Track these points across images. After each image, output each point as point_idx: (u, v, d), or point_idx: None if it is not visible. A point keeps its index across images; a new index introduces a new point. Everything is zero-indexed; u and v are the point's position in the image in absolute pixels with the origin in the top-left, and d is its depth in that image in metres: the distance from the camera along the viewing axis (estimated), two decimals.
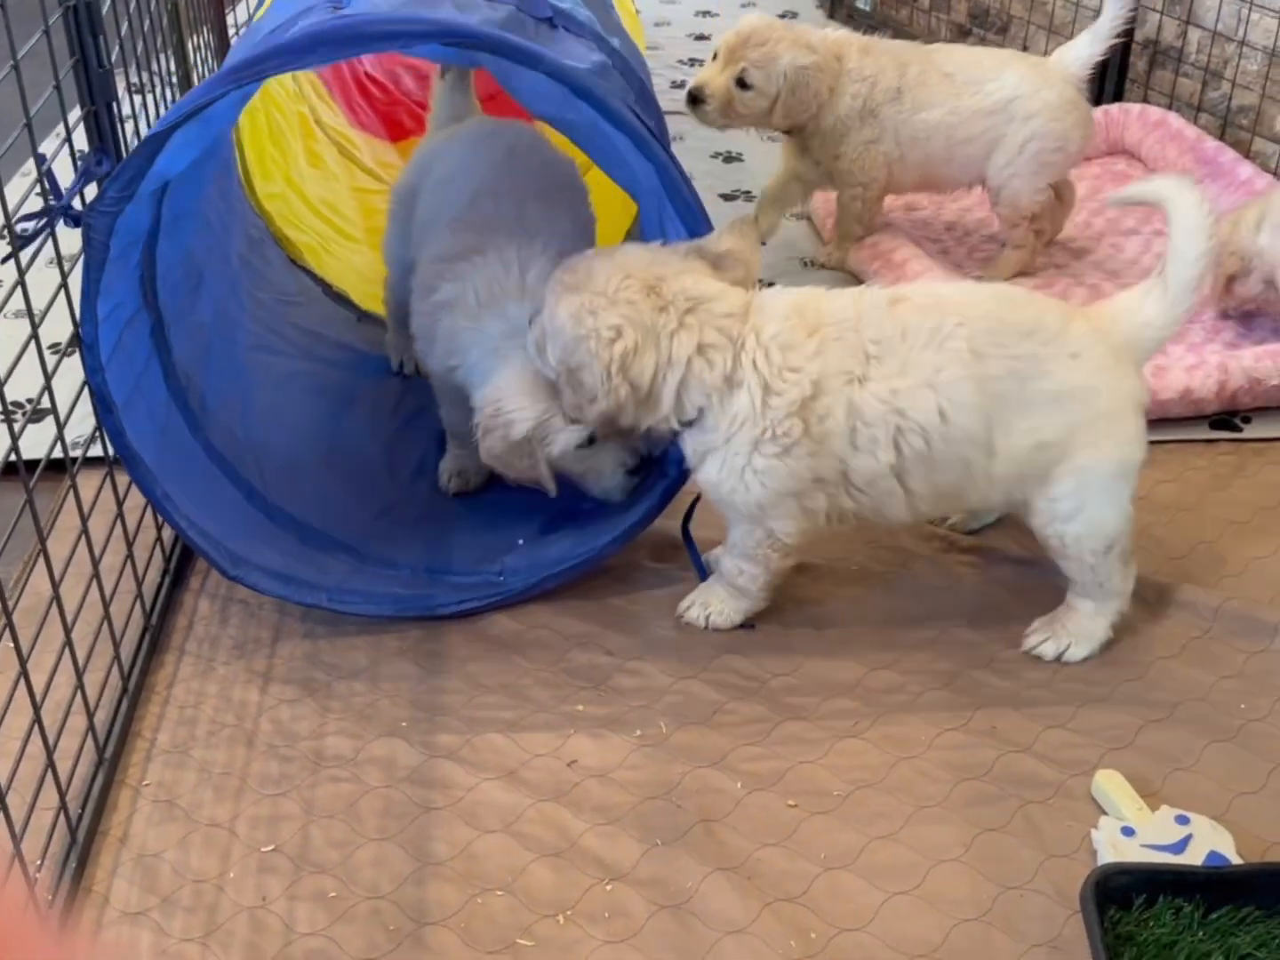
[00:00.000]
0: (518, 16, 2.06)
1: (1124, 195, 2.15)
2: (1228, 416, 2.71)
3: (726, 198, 3.67)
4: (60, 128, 1.90)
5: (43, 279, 1.87)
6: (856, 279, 3.12)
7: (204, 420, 2.27)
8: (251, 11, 2.88)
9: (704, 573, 2.22)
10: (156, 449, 2.09)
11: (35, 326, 1.74)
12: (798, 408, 1.91)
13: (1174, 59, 3.81)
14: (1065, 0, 4.11)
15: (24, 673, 1.63)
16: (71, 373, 1.96)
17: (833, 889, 1.74)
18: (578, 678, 2.08)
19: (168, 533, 2.23)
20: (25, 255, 1.72)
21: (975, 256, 3.31)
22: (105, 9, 2.02)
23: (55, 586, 1.74)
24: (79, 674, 1.81)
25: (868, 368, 1.93)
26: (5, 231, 1.62)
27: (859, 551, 2.34)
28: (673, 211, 2.02)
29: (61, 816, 1.75)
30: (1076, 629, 2.10)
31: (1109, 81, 3.89)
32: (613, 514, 2.24)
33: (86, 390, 1.99)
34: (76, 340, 1.93)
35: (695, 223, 1.98)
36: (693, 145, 3.87)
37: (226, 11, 3.84)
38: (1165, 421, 2.67)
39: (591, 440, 2.14)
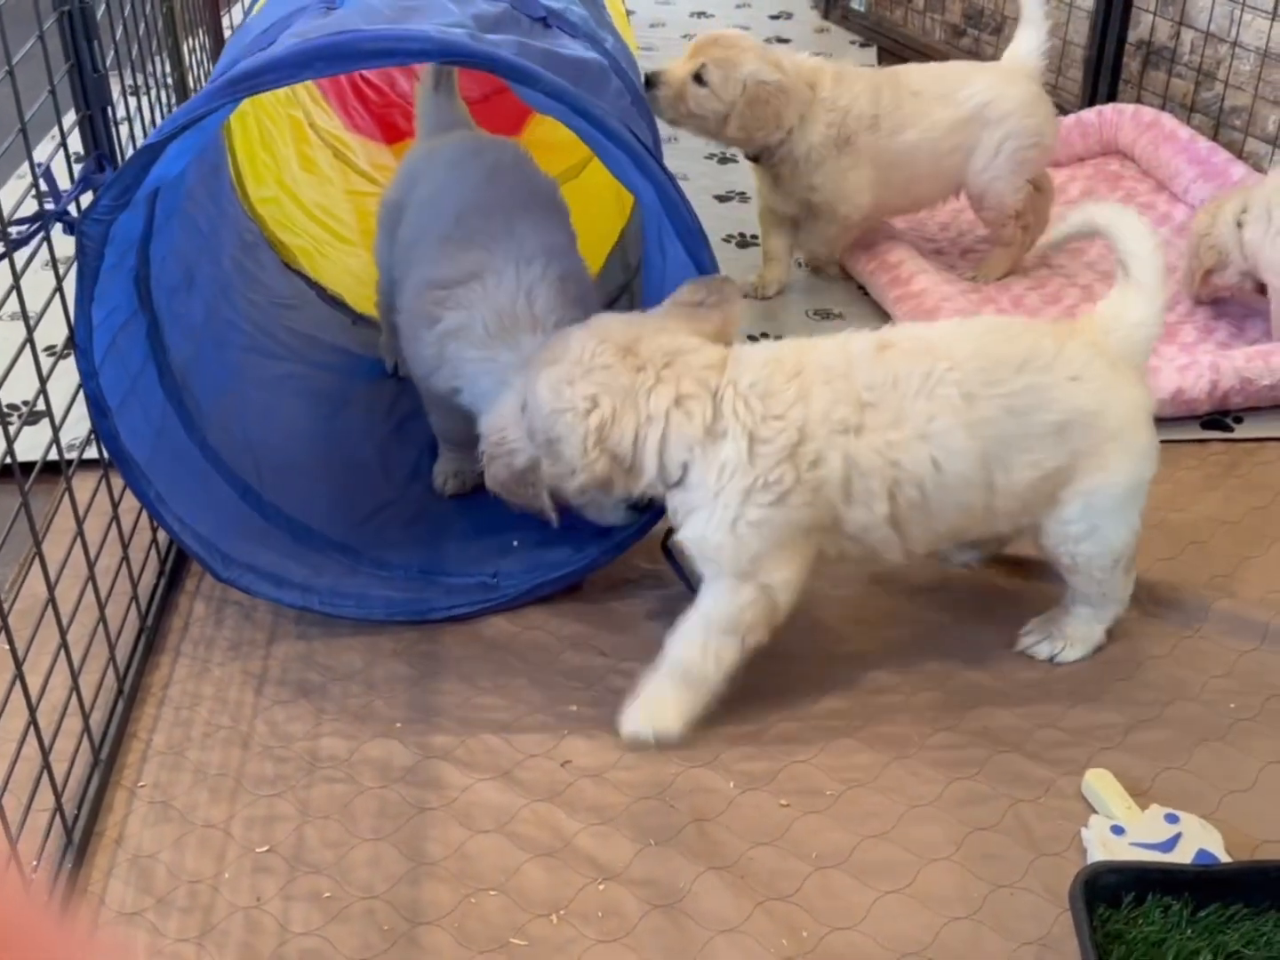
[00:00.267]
0: (512, 14, 2.06)
1: (1055, 239, 2.22)
2: (1219, 416, 2.72)
3: (721, 199, 3.68)
4: (55, 131, 1.91)
5: (39, 280, 1.88)
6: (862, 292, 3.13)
7: (200, 420, 2.28)
8: (246, 10, 2.88)
9: (689, 584, 2.20)
10: (151, 451, 2.10)
11: (30, 330, 1.74)
12: (787, 454, 1.85)
13: (1167, 60, 3.82)
14: (1059, 2, 4.12)
15: (20, 674, 1.64)
16: (67, 375, 1.97)
17: (824, 888, 1.75)
18: (572, 678, 2.09)
19: (163, 535, 2.23)
20: (20, 258, 1.73)
21: (969, 257, 3.32)
22: (100, 13, 2.03)
23: (50, 589, 1.75)
24: (74, 676, 1.82)
25: (863, 416, 1.87)
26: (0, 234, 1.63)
27: None
28: (671, 230, 2.02)
29: (57, 818, 1.76)
30: (1073, 632, 2.10)
31: (1102, 82, 3.90)
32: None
33: (82, 393, 1.99)
34: (72, 343, 1.94)
35: (694, 243, 1.98)
36: (687, 147, 3.88)
37: (221, 14, 3.86)
38: (1157, 421, 2.67)
39: None
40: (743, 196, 3.66)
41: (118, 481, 2.06)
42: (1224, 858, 1.73)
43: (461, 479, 2.45)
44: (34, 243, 1.78)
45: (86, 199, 1.90)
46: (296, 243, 2.98)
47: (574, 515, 2.26)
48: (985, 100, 3.04)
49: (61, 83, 1.91)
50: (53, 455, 1.82)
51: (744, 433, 1.86)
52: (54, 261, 1.88)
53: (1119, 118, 3.79)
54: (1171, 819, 1.78)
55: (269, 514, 2.30)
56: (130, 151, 2.23)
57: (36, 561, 1.73)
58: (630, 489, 1.94)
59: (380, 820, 1.85)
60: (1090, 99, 3.93)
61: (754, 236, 3.38)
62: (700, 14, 5.18)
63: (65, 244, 1.87)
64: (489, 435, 2.07)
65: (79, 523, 1.87)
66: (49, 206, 1.82)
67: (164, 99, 2.78)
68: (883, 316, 3.09)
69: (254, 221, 2.88)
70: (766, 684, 2.07)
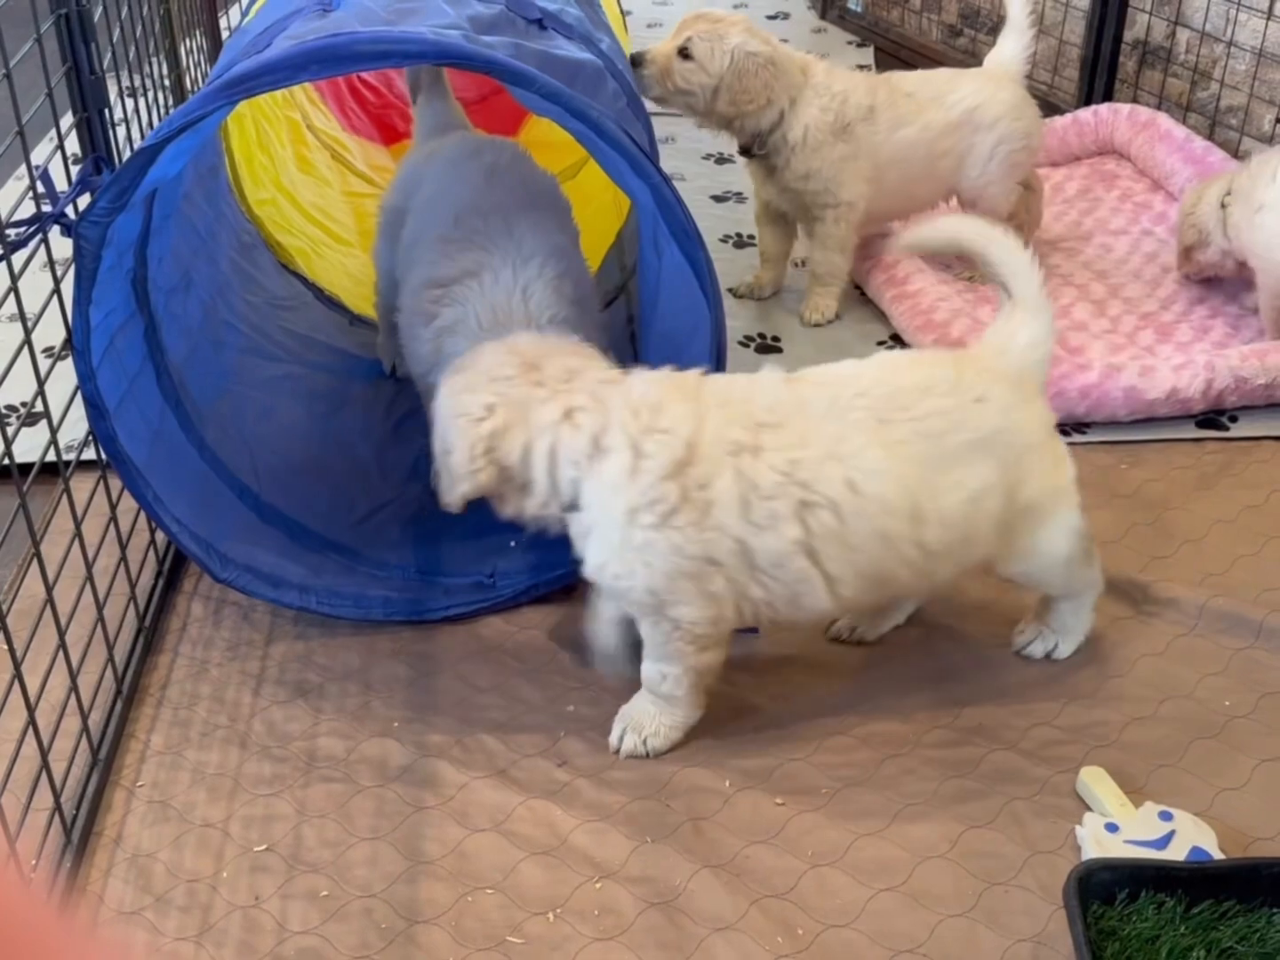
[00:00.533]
0: (508, 16, 2.07)
1: (907, 243, 2.18)
2: (1214, 416, 2.73)
3: (718, 199, 3.69)
4: (53, 133, 1.92)
5: (38, 282, 1.89)
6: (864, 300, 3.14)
7: (197, 421, 2.29)
8: (244, 11, 2.89)
9: None
10: (149, 452, 2.10)
11: (28, 332, 1.75)
12: (670, 470, 1.76)
13: (1163, 59, 3.83)
14: (1055, 2, 4.13)
15: (18, 674, 1.64)
16: (66, 376, 1.98)
17: (820, 886, 1.76)
18: (569, 678, 2.10)
19: (161, 535, 2.24)
20: (18, 260, 1.74)
21: (966, 257, 3.32)
22: (97, 15, 2.03)
23: (49, 589, 1.76)
24: (73, 676, 1.83)
25: (759, 437, 1.80)
26: None
27: None
28: (667, 231, 2.03)
29: (56, 817, 1.77)
30: (1060, 625, 2.11)
31: (1098, 81, 3.91)
32: None
33: (80, 394, 2.00)
34: (69, 345, 1.95)
35: (689, 245, 1.98)
36: (684, 147, 3.89)
37: (219, 15, 3.86)
38: (1152, 421, 2.69)
39: None
40: (740, 197, 3.66)
41: (116, 482, 2.06)
42: (1217, 855, 1.74)
43: None
44: (32, 244, 1.78)
45: (84, 201, 1.91)
46: (294, 244, 2.98)
47: None
48: (975, 104, 3.04)
49: (59, 85, 1.91)
50: (51, 456, 1.82)
51: (628, 445, 1.78)
52: (51, 263, 1.89)
53: (1115, 117, 3.80)
54: (1165, 816, 1.79)
55: (267, 514, 2.31)
56: (128, 153, 2.24)
57: (35, 562, 1.73)
58: (523, 508, 1.88)
59: (378, 819, 1.86)
60: (1086, 98, 3.94)
61: (751, 237, 3.39)
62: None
63: (63, 245, 1.88)
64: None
65: (77, 524, 1.87)
66: (46, 209, 1.83)
67: (161, 100, 2.78)
68: (880, 317, 3.10)
69: (251, 223, 2.89)
70: (761, 681, 2.08)
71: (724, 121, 2.96)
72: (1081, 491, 2.47)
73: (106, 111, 2.04)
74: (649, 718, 1.95)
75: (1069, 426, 2.69)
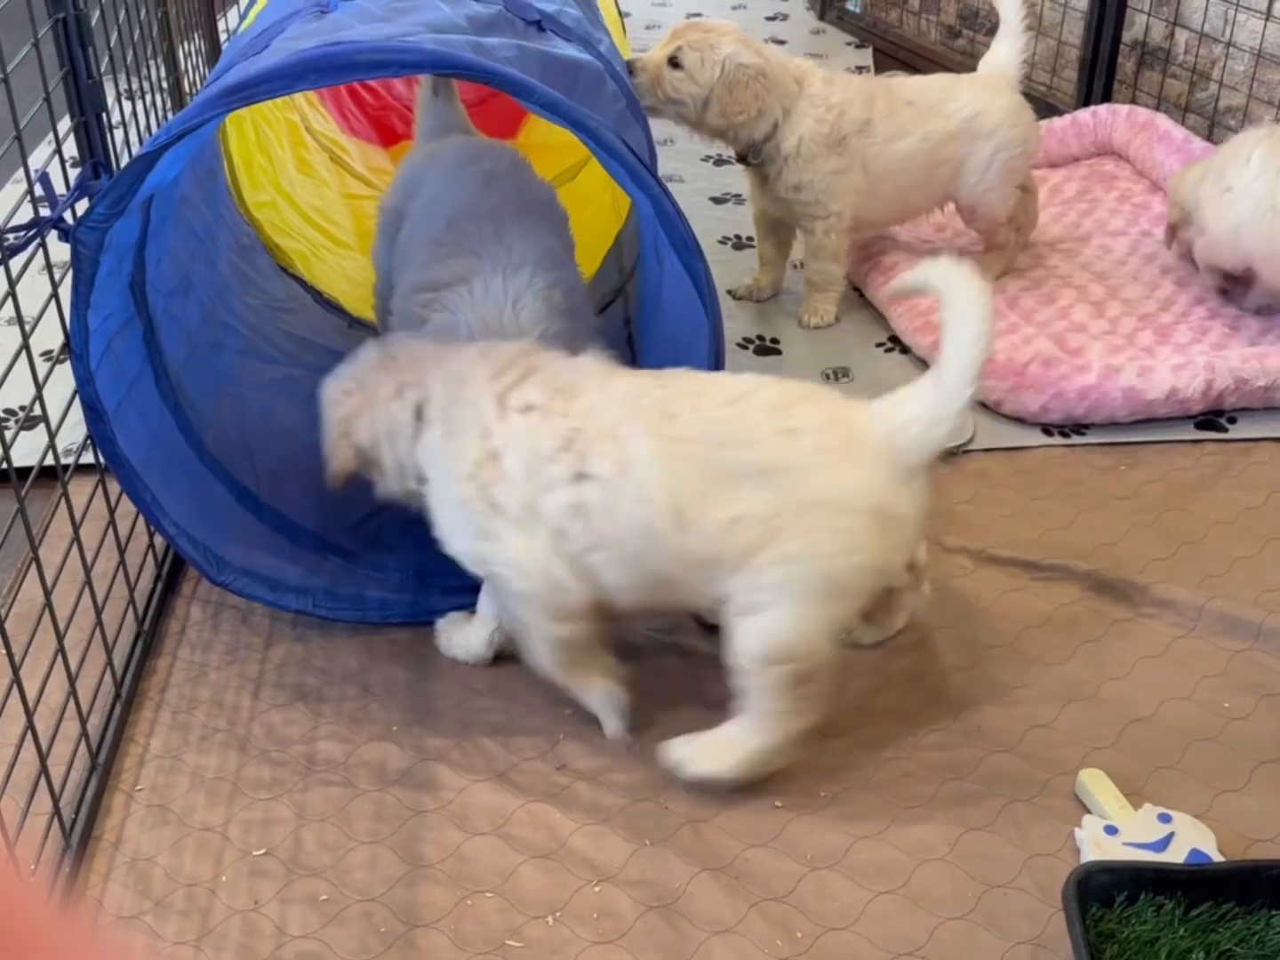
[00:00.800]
0: (506, 17, 2.07)
1: (897, 288, 2.02)
2: (1214, 417, 2.73)
3: (717, 201, 3.69)
4: (50, 137, 1.92)
5: (36, 285, 1.89)
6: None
7: (196, 424, 2.29)
8: (242, 14, 2.89)
9: None
10: (147, 455, 2.10)
11: (26, 336, 1.75)
12: (477, 433, 1.84)
13: (1161, 60, 3.83)
14: (1053, 3, 4.13)
15: (17, 679, 1.64)
16: (64, 380, 1.98)
17: (819, 888, 1.76)
18: None
19: (159, 539, 2.24)
20: (16, 263, 1.74)
21: (965, 258, 3.32)
22: (95, 19, 2.03)
23: (47, 593, 1.76)
24: (72, 680, 1.83)
25: (553, 401, 1.83)
26: None
27: None
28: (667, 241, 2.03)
29: (55, 822, 1.77)
30: (715, 738, 1.87)
31: (1097, 82, 3.91)
32: None
33: (78, 397, 2.00)
34: (68, 348, 1.95)
35: (688, 255, 1.98)
36: (684, 149, 3.87)
37: (217, 17, 3.86)
38: (1151, 422, 2.69)
39: None
40: (739, 199, 3.66)
41: (114, 486, 2.06)
42: (1217, 857, 1.74)
43: None
44: (30, 248, 1.79)
45: (81, 206, 1.91)
46: (293, 246, 2.98)
47: None
48: (973, 113, 3.02)
49: (56, 89, 1.91)
50: (49, 460, 1.83)
51: (441, 415, 1.88)
52: (49, 267, 1.89)
53: (1114, 118, 3.79)
54: (1164, 818, 1.79)
55: (265, 517, 2.31)
56: (126, 157, 2.25)
57: (33, 566, 1.74)
58: (389, 487, 2.00)
59: (377, 823, 1.86)
60: (1085, 99, 3.94)
61: (750, 239, 3.39)
62: (696, 15, 5.18)
63: (61, 249, 1.88)
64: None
65: (75, 528, 1.88)
66: (45, 213, 1.83)
67: (160, 104, 2.78)
68: (879, 319, 3.10)
69: (250, 225, 2.89)
70: None
71: (716, 132, 2.94)
72: (1081, 492, 2.50)
73: (104, 115, 2.04)
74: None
75: (1068, 428, 2.70)
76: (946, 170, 3.05)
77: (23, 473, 1.70)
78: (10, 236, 1.73)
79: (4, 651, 1.61)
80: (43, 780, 1.73)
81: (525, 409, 1.84)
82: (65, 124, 2.01)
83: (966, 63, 4.11)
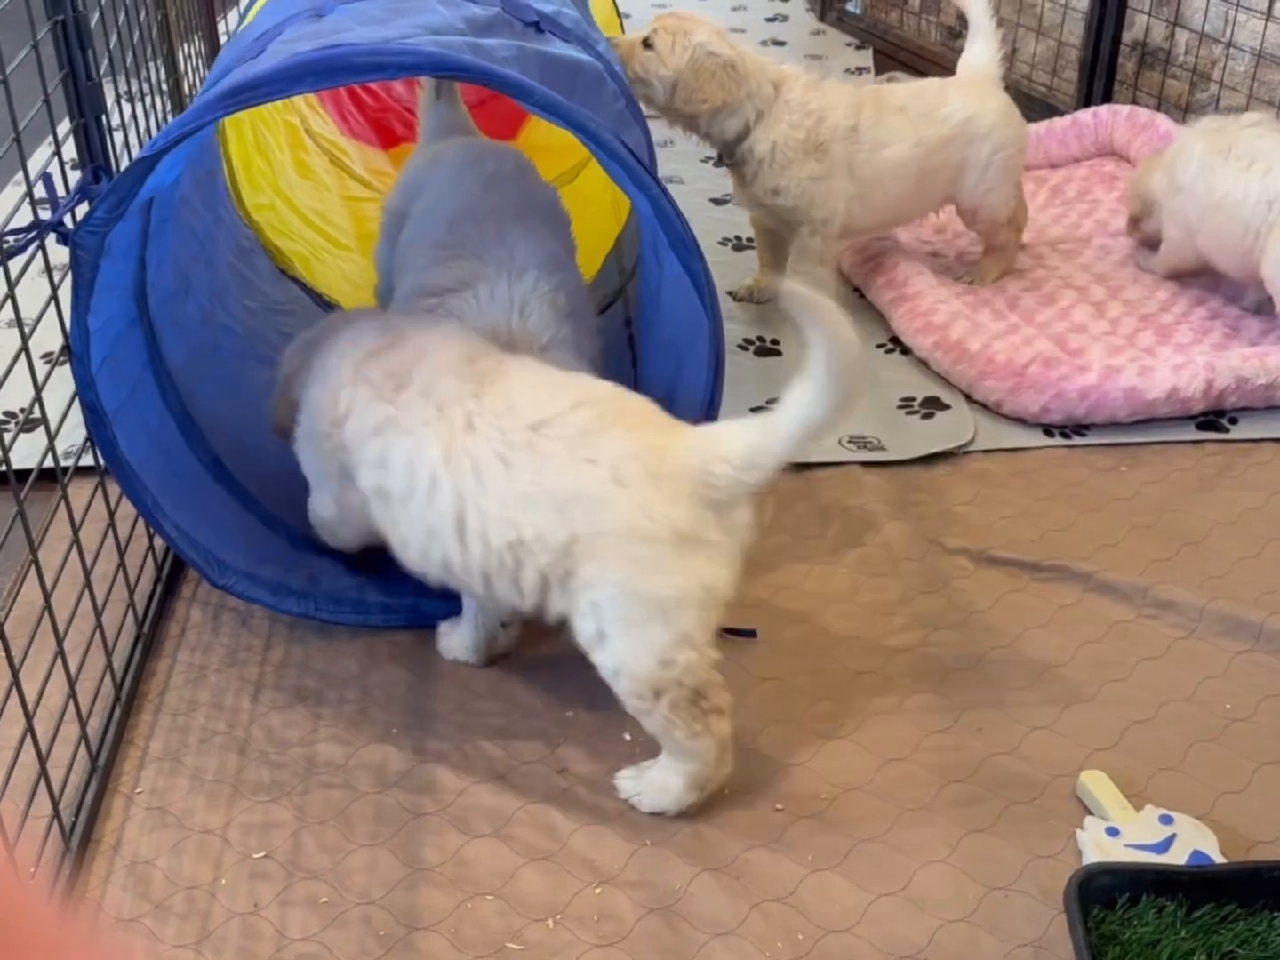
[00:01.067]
0: (504, 18, 2.07)
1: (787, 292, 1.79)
2: (1215, 417, 2.72)
3: (717, 202, 3.68)
4: (50, 139, 1.92)
5: (36, 287, 1.89)
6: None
7: (198, 426, 2.29)
8: (241, 14, 2.88)
9: None
10: (148, 458, 2.10)
11: (25, 339, 1.75)
12: (329, 396, 1.95)
13: (1162, 60, 3.83)
14: (1053, 4, 4.13)
15: (16, 682, 1.64)
16: (64, 382, 1.98)
17: (820, 890, 1.75)
18: (568, 683, 2.09)
19: (159, 541, 2.24)
20: (15, 265, 1.74)
21: (964, 260, 3.32)
22: (94, 21, 2.03)
23: (47, 596, 1.76)
24: (71, 683, 1.83)
25: (384, 383, 1.88)
26: None
27: (846, 556, 2.35)
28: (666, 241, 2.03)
29: (55, 824, 1.76)
30: (652, 778, 1.87)
31: (1097, 83, 3.91)
32: None
33: (78, 400, 2.00)
34: (67, 351, 1.95)
35: (688, 256, 1.98)
36: (683, 149, 3.86)
37: (217, 19, 3.87)
38: (1152, 422, 2.69)
39: None
40: None
41: (114, 488, 2.06)
42: (1218, 859, 1.73)
43: None
44: (28, 250, 1.78)
45: (81, 210, 1.91)
46: (292, 248, 2.98)
47: None
48: (967, 116, 3.00)
49: (55, 91, 1.91)
50: (49, 463, 1.82)
51: (318, 372, 2.01)
52: (49, 269, 1.89)
53: (1114, 118, 3.79)
54: (1166, 820, 1.79)
55: (268, 520, 2.31)
56: (125, 159, 2.25)
57: (33, 569, 1.73)
58: None
59: (377, 825, 1.85)
60: (1085, 100, 3.94)
61: (750, 240, 3.38)
62: None
63: (60, 251, 1.88)
64: None
65: (75, 531, 1.87)
66: (46, 213, 1.83)
67: (159, 105, 2.78)
68: (879, 320, 3.10)
69: (249, 228, 2.89)
70: (760, 688, 2.08)
71: (685, 120, 2.94)
72: (1082, 493, 2.50)
73: (104, 117, 2.04)
74: None
75: (1069, 428, 2.70)
76: (943, 175, 3.04)
77: (22, 475, 1.70)
78: (10, 239, 1.73)
79: (3, 654, 1.61)
80: (42, 783, 1.72)
81: (366, 382, 1.91)
82: (65, 126, 2.01)
83: None
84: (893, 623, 2.21)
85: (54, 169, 1.90)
